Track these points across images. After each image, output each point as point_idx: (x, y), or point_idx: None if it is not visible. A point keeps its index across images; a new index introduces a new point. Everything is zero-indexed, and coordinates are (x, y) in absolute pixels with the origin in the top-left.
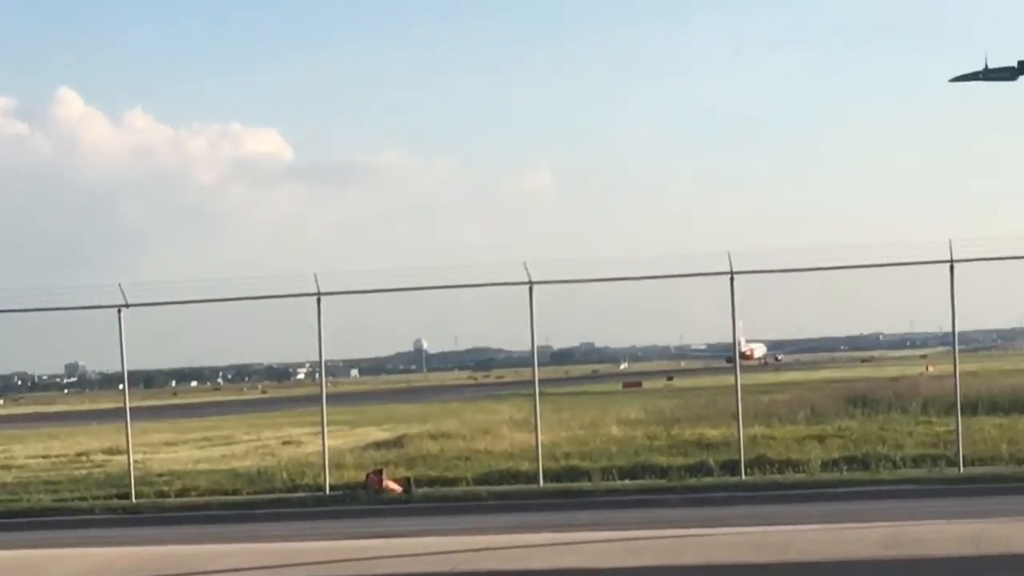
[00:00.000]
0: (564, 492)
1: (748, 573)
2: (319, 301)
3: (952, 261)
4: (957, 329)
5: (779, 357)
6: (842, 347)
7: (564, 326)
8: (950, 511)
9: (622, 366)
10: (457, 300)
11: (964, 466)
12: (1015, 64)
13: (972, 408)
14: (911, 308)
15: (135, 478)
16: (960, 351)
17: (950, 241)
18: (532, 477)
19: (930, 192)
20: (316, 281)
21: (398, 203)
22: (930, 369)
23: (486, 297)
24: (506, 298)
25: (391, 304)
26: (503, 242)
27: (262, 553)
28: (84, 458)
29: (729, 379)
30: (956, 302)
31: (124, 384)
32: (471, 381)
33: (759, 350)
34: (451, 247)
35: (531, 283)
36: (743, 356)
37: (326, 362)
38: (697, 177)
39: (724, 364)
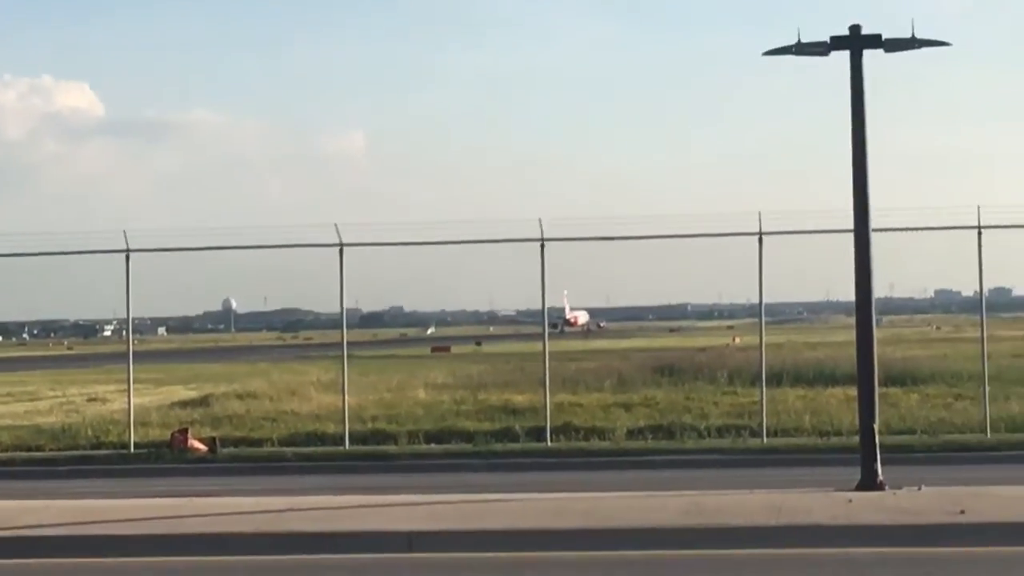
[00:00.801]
0: (370, 455)
1: (551, 539)
2: (128, 258)
3: (761, 233)
4: (764, 301)
5: (601, 324)
6: (650, 316)
7: (374, 289)
8: (753, 481)
9: (429, 331)
10: (267, 260)
11: (768, 437)
12: (827, 39)
13: (777, 380)
14: (720, 279)
15: None
16: (767, 323)
17: (759, 214)
18: (338, 439)
19: (742, 165)
20: (125, 238)
21: (210, 162)
22: (737, 340)
23: (296, 258)
24: (316, 260)
25: (200, 263)
26: (315, 204)
27: (66, 510)
28: None
29: (537, 345)
30: (764, 274)
31: None
32: (279, 342)
33: (583, 317)
34: (262, 207)
35: (341, 245)
36: (568, 323)
37: (133, 320)
38: (510, 144)
39: (541, 330)
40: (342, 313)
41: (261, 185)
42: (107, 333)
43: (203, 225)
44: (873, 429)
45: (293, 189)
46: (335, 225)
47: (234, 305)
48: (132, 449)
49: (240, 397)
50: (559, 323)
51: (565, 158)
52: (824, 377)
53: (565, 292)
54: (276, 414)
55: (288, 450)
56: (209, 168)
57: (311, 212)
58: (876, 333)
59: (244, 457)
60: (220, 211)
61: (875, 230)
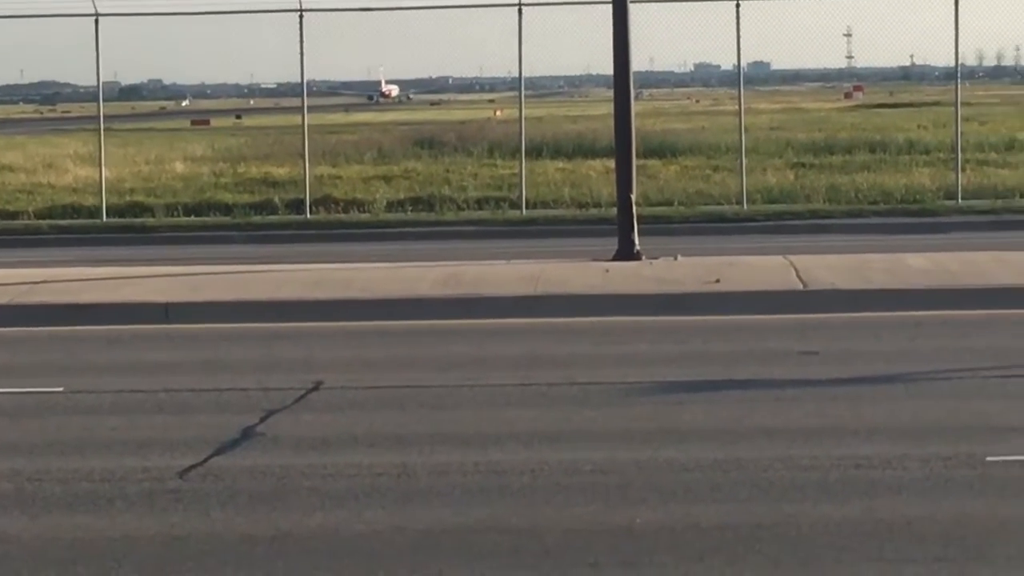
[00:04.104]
0: (127, 227)
1: (310, 309)
2: None
3: (520, 4)
4: (525, 75)
5: (410, 96)
6: (412, 90)
7: (133, 62)
8: (512, 252)
9: (184, 103)
10: (21, 32)
11: (527, 208)
12: None
13: (537, 152)
14: (480, 53)
15: None
16: (527, 97)
17: None
18: (95, 212)
19: None
20: None
21: None
22: (498, 114)
23: (52, 30)
24: (73, 32)
25: None
26: None
27: None
28: None
29: (296, 119)
30: (524, 48)
31: None
32: (36, 115)
33: (395, 90)
34: None
35: (97, 15)
36: (383, 95)
37: None
38: None
39: (358, 101)
40: (98, 85)
41: None
42: None
43: None
44: (631, 200)
45: None
46: None
47: None
48: None
49: None
50: (375, 95)
51: None
52: (584, 150)
53: (381, 67)
54: (32, 187)
55: (44, 223)
56: None
57: None
58: (635, 106)
59: None
60: None
61: (633, 2)
